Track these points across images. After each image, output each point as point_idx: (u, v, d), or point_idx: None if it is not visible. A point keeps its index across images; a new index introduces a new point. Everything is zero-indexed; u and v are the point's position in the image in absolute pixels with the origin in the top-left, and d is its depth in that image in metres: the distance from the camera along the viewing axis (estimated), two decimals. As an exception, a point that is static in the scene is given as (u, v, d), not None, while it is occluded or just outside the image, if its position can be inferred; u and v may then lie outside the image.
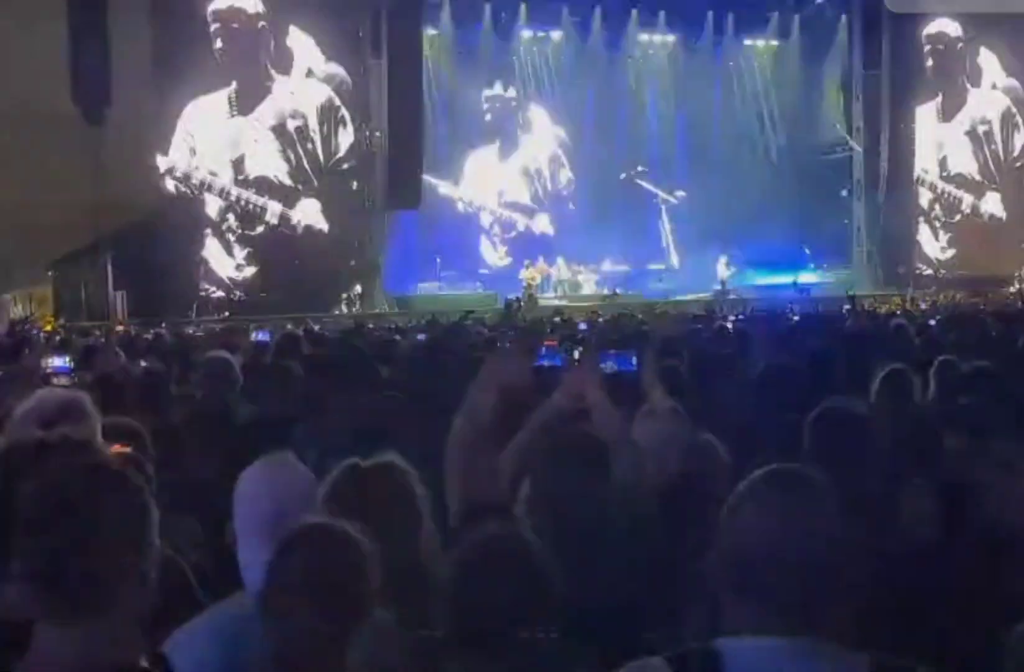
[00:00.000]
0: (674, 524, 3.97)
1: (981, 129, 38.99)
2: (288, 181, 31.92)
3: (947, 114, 38.62)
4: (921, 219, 38.50)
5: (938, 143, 38.60)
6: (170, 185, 30.71)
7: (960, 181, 38.81)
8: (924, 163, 38.20)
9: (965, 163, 38.95)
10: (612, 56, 37.14)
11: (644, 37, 37.41)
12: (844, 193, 38.29)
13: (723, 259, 35.93)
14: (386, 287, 33.49)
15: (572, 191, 38.48)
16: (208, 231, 31.23)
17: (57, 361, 7.42)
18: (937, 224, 38.64)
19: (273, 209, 31.67)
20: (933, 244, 38.66)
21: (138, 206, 29.90)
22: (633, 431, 4.50)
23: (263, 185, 31.63)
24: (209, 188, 31.19)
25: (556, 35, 36.79)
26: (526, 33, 36.43)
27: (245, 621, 2.96)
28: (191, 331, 19.95)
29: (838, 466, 4.04)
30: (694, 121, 37.90)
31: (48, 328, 24.69)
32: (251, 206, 31.50)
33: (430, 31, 34.42)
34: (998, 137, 39.17)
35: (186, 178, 30.90)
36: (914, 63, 37.02)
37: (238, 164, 31.42)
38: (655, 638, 3.25)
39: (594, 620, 3.15)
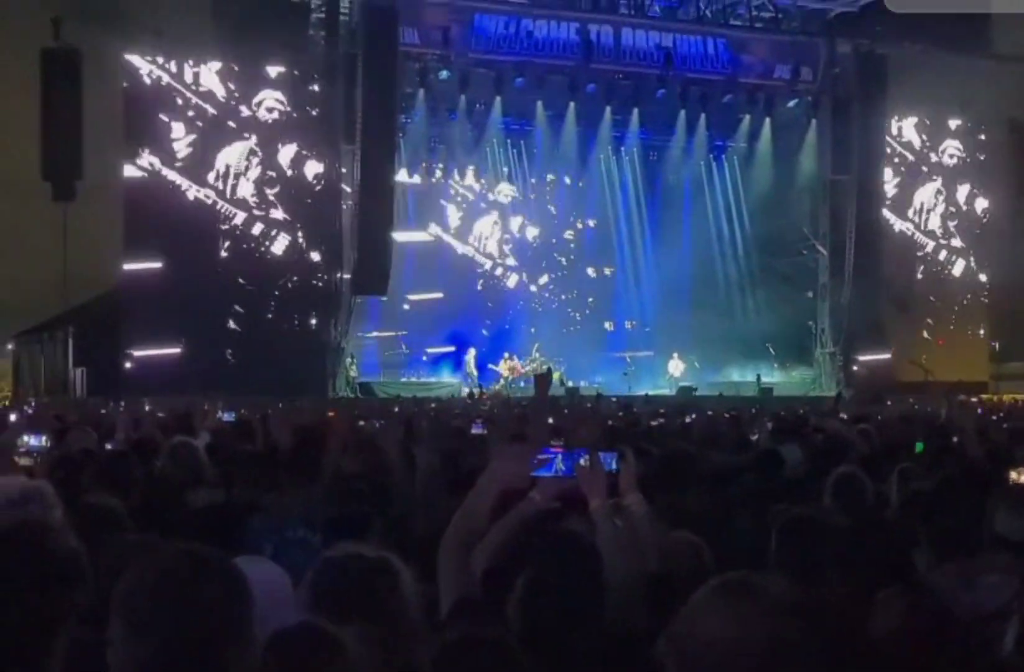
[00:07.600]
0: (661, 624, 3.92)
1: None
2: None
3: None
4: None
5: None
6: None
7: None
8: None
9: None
10: (584, 151, 37.47)
11: (617, 134, 37.64)
12: (809, 295, 38.56)
13: (675, 355, 36.16)
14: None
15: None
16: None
17: (33, 441, 7.53)
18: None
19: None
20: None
21: (103, 281, 29.91)
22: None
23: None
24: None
25: (530, 129, 36.95)
26: (499, 125, 36.25)
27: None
28: (148, 408, 19.66)
29: (805, 575, 4.09)
30: (664, 218, 38.28)
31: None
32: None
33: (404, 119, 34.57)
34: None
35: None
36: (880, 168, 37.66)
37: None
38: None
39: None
